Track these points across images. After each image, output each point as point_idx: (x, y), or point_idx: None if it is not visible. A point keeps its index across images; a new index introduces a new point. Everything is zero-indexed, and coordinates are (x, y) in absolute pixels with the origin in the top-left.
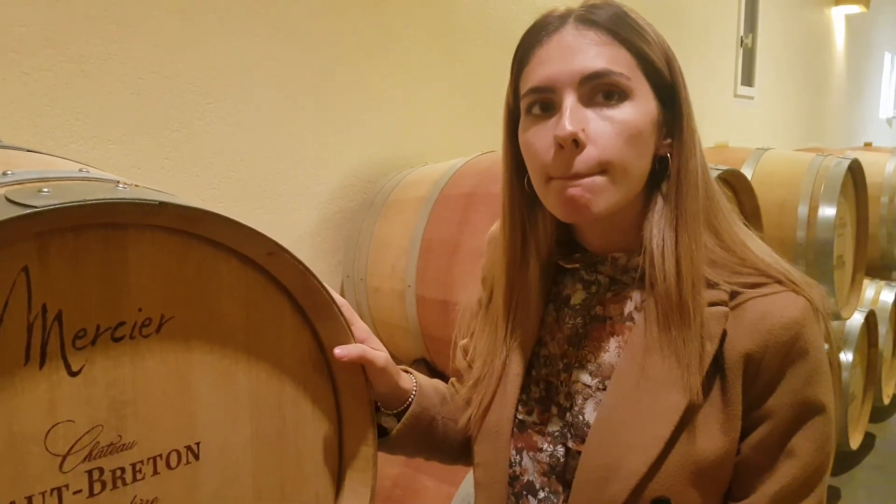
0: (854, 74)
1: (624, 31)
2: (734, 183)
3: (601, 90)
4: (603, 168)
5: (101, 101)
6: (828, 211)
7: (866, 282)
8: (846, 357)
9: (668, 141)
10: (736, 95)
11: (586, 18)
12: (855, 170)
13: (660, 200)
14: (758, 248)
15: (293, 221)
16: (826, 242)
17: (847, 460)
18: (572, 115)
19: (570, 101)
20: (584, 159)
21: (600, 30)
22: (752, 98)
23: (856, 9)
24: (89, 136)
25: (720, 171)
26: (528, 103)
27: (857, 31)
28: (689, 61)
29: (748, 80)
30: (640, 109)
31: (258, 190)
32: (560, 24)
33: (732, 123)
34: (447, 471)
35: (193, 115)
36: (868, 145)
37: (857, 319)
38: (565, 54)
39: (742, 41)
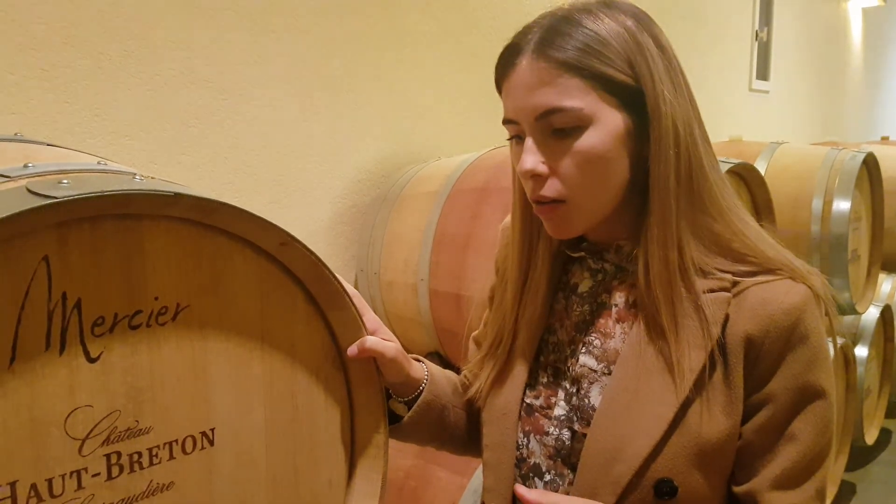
0: (871, 68)
1: (577, 57)
2: (746, 176)
3: (556, 124)
4: (566, 197)
5: (119, 97)
6: (842, 205)
7: (882, 276)
8: (861, 352)
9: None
10: (751, 90)
11: (540, 51)
12: (870, 163)
13: (649, 197)
14: (757, 237)
15: (307, 216)
16: (841, 236)
17: (862, 455)
18: (530, 152)
19: (530, 136)
20: (548, 189)
21: (552, 62)
22: (767, 92)
23: (873, 2)
24: (107, 132)
25: (732, 165)
26: (508, 131)
27: (875, 24)
28: (703, 55)
29: (763, 74)
30: (600, 133)
31: (273, 185)
32: (519, 57)
33: (747, 118)
34: (460, 462)
35: (209, 111)
36: (885, 139)
37: (872, 314)
38: (522, 91)
39: (757, 35)
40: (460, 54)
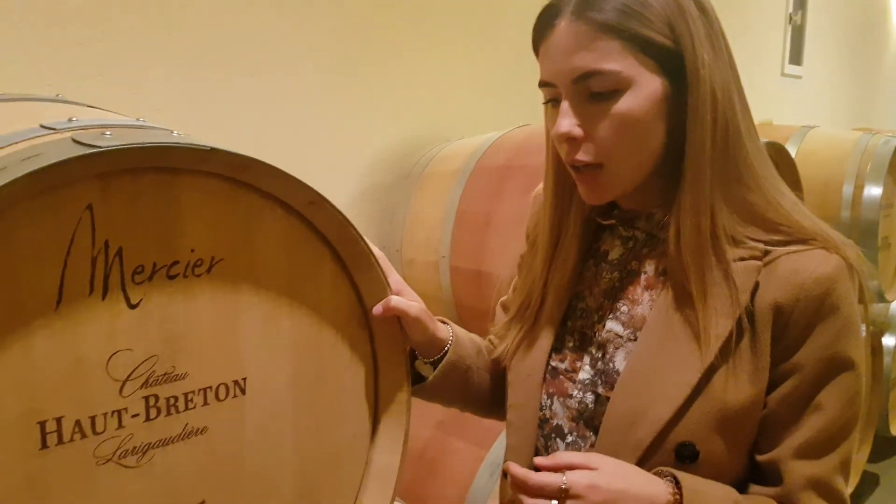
0: None
1: (617, 19)
2: (775, 156)
3: (594, 87)
4: (601, 161)
5: (150, 72)
6: (874, 190)
7: None
8: (889, 341)
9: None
10: (783, 74)
11: (580, 13)
12: None
13: (683, 164)
14: (792, 207)
15: (331, 194)
16: (871, 223)
17: (887, 447)
18: (566, 115)
19: (567, 100)
20: (583, 153)
21: (591, 24)
22: (799, 77)
23: None
24: (138, 107)
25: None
26: (544, 94)
27: None
28: (735, 38)
29: (796, 58)
30: (637, 97)
31: (298, 163)
32: (558, 19)
33: (779, 103)
34: (478, 434)
35: (237, 89)
36: None
37: None
38: (560, 53)
39: (791, 18)
40: (484, 33)
